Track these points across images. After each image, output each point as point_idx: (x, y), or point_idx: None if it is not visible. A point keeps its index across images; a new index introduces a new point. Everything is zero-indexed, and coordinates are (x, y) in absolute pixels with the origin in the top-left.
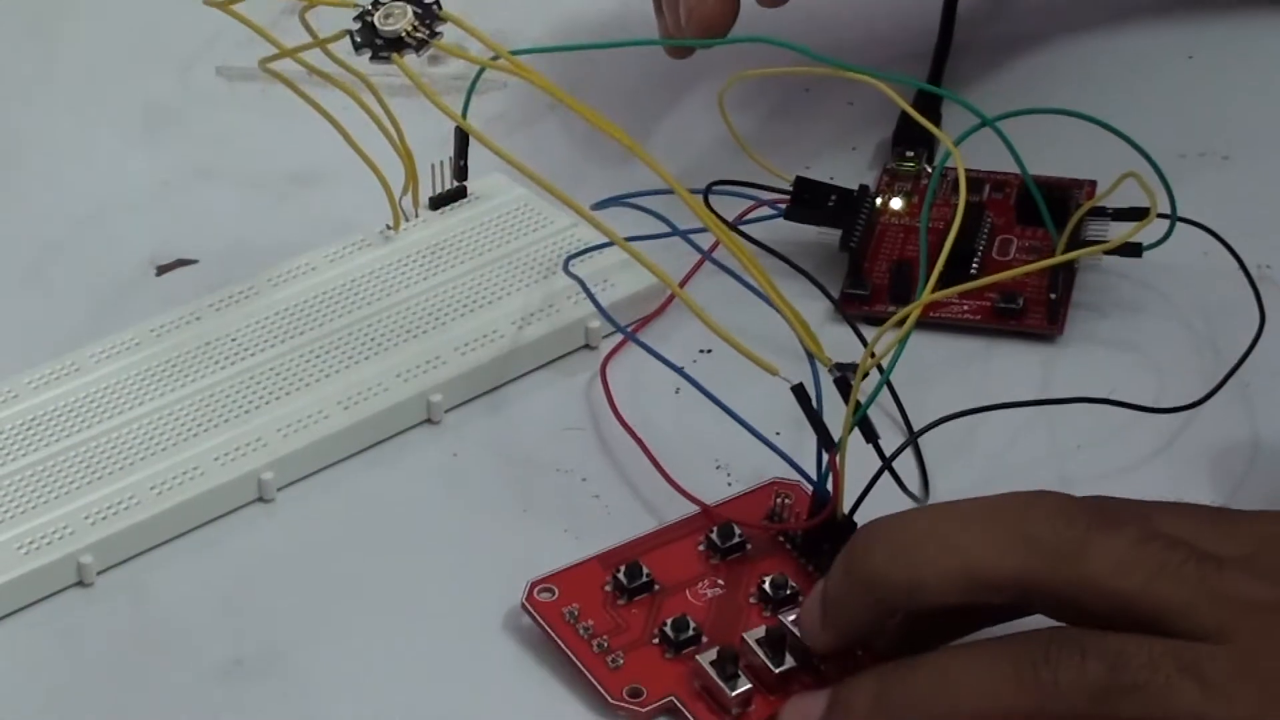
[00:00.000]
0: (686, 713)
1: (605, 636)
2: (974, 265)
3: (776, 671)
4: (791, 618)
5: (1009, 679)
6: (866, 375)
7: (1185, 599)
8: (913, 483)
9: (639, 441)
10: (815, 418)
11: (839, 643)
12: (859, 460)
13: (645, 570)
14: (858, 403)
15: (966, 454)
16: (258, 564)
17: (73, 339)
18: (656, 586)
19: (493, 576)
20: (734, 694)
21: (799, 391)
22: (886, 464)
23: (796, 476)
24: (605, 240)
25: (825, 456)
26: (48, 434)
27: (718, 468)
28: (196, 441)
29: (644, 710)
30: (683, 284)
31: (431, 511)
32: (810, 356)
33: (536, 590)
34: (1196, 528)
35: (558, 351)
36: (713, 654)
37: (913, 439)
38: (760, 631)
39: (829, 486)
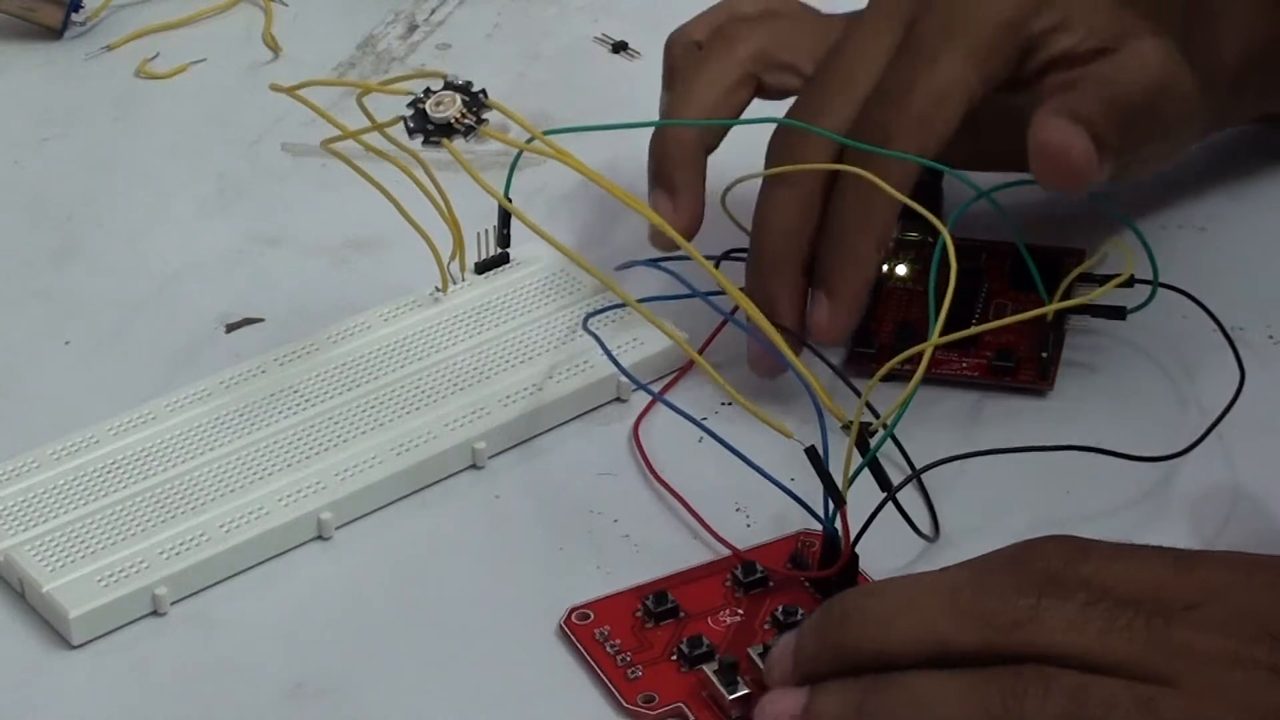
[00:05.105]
0: (692, 717)
1: (629, 653)
2: (973, 324)
3: None
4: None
5: (978, 708)
6: (876, 432)
7: (1137, 651)
8: (922, 523)
9: (675, 495)
10: (827, 478)
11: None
12: (872, 501)
13: (671, 597)
14: (863, 453)
15: (964, 499)
16: (317, 596)
17: (150, 390)
18: (681, 613)
19: (530, 609)
20: (731, 698)
21: (811, 453)
22: (890, 495)
23: (819, 527)
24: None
25: (834, 508)
26: (126, 476)
27: (738, 510)
28: (261, 484)
29: (653, 714)
30: (709, 343)
31: (475, 549)
32: (821, 422)
33: (574, 615)
34: (1151, 576)
35: (590, 403)
36: (716, 664)
37: (915, 475)
38: (762, 647)
39: (838, 531)
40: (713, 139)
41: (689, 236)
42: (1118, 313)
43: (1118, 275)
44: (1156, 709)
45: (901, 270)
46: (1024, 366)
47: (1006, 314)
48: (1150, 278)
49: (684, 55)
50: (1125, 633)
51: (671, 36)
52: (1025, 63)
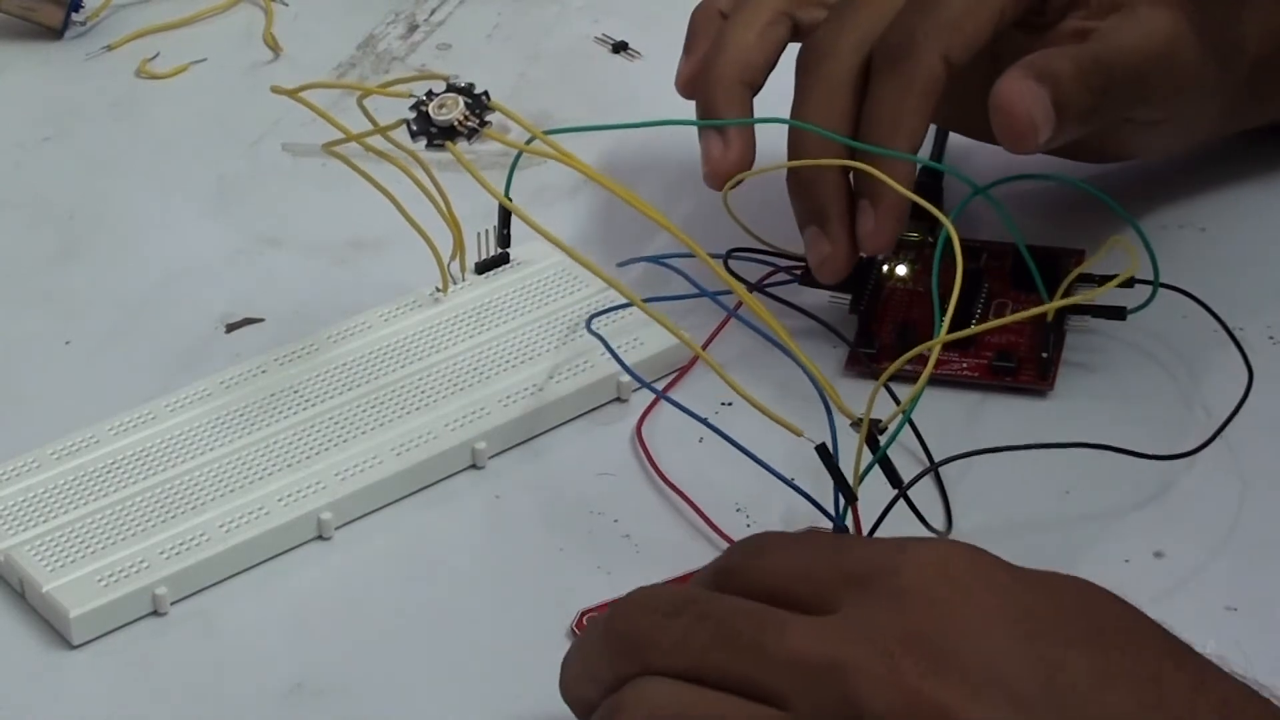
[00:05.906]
0: None
1: None
2: (973, 324)
3: None
4: None
5: None
6: (885, 430)
7: (741, 671)
8: (935, 519)
9: (680, 494)
10: (838, 475)
11: None
12: (883, 496)
13: None
14: (875, 451)
15: (971, 498)
16: (317, 596)
17: (150, 390)
18: None
19: (531, 608)
20: None
21: (823, 451)
22: (902, 491)
23: (828, 524)
24: (627, 301)
25: (845, 505)
26: (126, 476)
27: (738, 510)
28: (261, 484)
29: None
30: (712, 339)
31: (476, 549)
32: (830, 420)
33: (586, 619)
34: (798, 568)
35: (591, 403)
36: None
37: (929, 470)
38: None
39: (849, 529)
40: (755, 79)
41: (742, 170)
42: (1118, 313)
43: (1118, 275)
44: None
45: (901, 270)
46: (1024, 367)
47: (1007, 314)
48: (1151, 278)
49: (707, 21)
50: (729, 649)
51: (696, 8)
52: None
